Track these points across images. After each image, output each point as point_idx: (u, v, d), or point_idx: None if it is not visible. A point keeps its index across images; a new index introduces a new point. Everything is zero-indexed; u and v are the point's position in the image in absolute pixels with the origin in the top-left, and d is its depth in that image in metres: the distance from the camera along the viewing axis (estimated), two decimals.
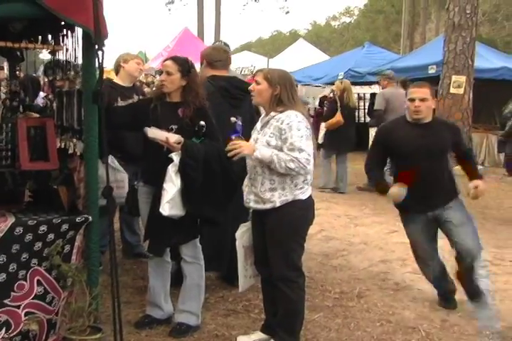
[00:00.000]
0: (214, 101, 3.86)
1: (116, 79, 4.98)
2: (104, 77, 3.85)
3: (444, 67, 10.86)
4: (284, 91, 3.29)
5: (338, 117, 8.83)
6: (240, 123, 3.42)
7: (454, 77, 10.71)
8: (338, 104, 8.95)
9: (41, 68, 8.26)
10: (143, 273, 4.66)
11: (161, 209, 3.43)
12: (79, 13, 2.94)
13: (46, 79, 5.31)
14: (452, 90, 10.76)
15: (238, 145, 3.20)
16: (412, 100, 3.93)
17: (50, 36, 3.82)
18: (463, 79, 10.69)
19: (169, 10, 41.24)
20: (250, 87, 3.40)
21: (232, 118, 3.48)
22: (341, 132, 8.88)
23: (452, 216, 4.01)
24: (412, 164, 3.89)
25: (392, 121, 4.35)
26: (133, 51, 12.50)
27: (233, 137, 3.27)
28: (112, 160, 4.47)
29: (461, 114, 10.81)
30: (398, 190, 3.90)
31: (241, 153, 3.22)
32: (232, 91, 4.30)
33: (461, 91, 10.74)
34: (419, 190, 3.87)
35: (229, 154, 3.22)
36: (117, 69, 4.97)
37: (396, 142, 4.01)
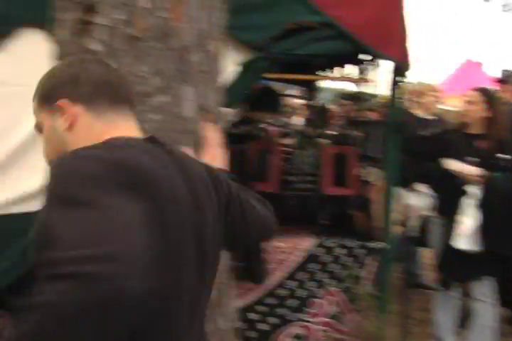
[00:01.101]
0: None
1: (414, 111, 4.94)
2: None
3: None
4: None
5: None
6: None
7: None
8: None
9: (326, 97, 8.72)
10: (422, 304, 4.57)
11: (453, 242, 3.36)
12: (388, 47, 3.06)
13: (336, 108, 5.62)
14: None
15: None
16: None
17: (351, 67, 4.06)
18: None
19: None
20: None
21: None
22: None
23: None
24: None
25: None
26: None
27: None
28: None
29: None
30: None
31: None
32: None
33: None
34: None
35: None
36: (413, 102, 4.92)
37: None
